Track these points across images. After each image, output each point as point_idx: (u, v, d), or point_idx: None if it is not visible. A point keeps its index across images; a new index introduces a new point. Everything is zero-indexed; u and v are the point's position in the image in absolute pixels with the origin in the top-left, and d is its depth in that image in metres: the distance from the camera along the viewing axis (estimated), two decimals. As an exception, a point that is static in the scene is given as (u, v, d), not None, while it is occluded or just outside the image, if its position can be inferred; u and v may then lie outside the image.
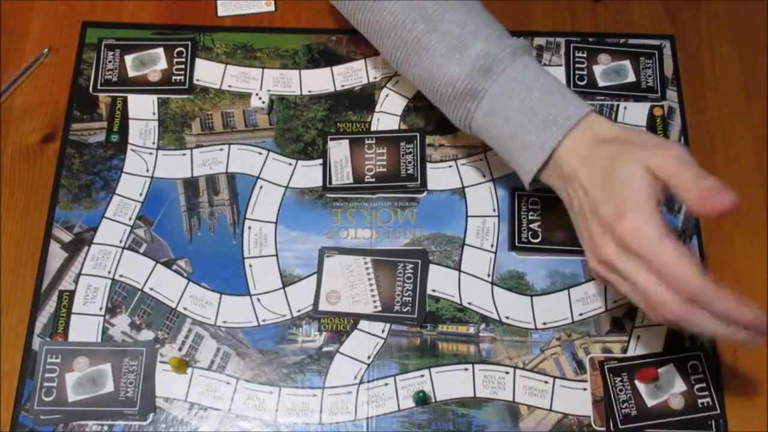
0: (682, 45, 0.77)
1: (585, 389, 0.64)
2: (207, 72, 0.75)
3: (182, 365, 0.64)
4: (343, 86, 0.75)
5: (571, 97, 0.59)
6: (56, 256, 0.68)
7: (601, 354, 0.66)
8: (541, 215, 0.70)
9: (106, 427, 0.62)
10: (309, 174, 0.71)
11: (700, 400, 0.64)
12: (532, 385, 0.64)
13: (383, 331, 0.66)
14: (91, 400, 0.63)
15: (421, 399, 0.63)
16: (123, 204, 0.70)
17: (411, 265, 0.68)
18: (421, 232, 0.69)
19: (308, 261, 0.68)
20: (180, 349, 0.65)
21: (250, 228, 0.69)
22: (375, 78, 0.75)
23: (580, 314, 0.67)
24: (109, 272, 0.67)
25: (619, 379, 0.64)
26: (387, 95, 0.74)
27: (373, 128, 0.73)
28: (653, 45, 0.77)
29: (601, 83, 0.75)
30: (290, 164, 0.72)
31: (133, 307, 0.66)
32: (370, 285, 0.67)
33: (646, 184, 0.53)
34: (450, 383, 0.64)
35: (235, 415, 0.63)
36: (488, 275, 0.68)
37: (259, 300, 0.67)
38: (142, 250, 0.68)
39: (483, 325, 0.66)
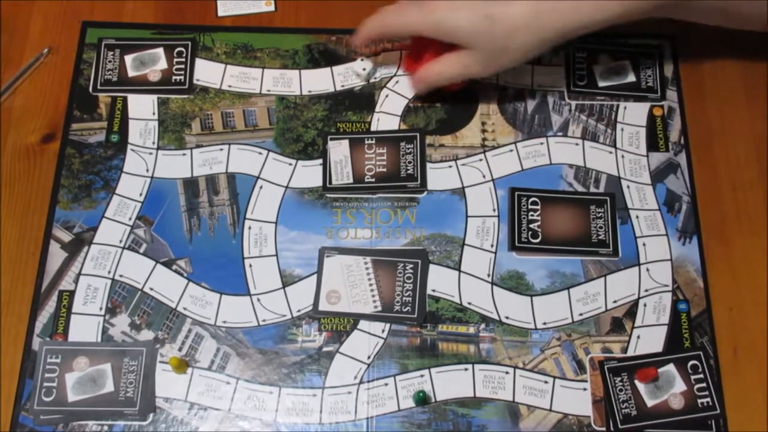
0: (682, 45, 0.77)
1: (585, 389, 0.64)
2: (207, 72, 0.75)
3: (182, 365, 0.64)
4: (343, 86, 0.75)
5: None
6: (56, 256, 0.68)
7: (601, 354, 0.66)
8: (541, 215, 0.70)
9: (106, 427, 0.62)
10: (309, 174, 0.71)
11: (700, 400, 0.64)
12: (532, 385, 0.64)
13: (383, 331, 0.66)
14: (91, 400, 0.63)
15: (421, 399, 0.63)
16: (123, 204, 0.70)
17: (411, 265, 0.68)
18: (421, 232, 0.69)
19: (308, 261, 0.68)
20: (180, 349, 0.65)
21: (250, 228, 0.69)
22: (375, 78, 0.75)
23: (580, 314, 0.67)
24: (109, 272, 0.67)
25: (619, 379, 0.64)
26: (387, 95, 0.74)
27: (373, 128, 0.73)
28: (653, 45, 0.77)
29: (601, 83, 0.75)
30: (290, 164, 0.72)
31: (133, 307, 0.66)
32: (370, 285, 0.67)
33: None
34: (450, 383, 0.64)
35: (235, 415, 0.63)
36: (488, 275, 0.68)
37: (259, 300, 0.67)
38: (142, 250, 0.68)
39: (483, 325, 0.66)
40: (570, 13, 0.62)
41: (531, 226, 0.69)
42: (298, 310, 0.67)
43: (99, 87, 0.74)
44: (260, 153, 0.72)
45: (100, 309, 0.66)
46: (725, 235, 0.70)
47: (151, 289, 0.67)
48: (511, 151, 0.73)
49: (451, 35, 0.64)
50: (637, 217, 0.70)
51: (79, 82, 0.74)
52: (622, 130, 0.74)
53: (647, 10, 0.64)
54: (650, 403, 0.64)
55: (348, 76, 0.75)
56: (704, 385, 0.64)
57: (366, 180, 0.71)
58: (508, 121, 0.74)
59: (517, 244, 0.69)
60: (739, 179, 0.72)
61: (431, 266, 0.68)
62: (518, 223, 0.69)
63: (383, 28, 0.67)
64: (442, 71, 0.67)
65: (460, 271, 0.68)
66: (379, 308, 0.66)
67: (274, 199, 0.70)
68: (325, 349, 0.65)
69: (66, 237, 0.68)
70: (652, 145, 0.73)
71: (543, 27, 0.62)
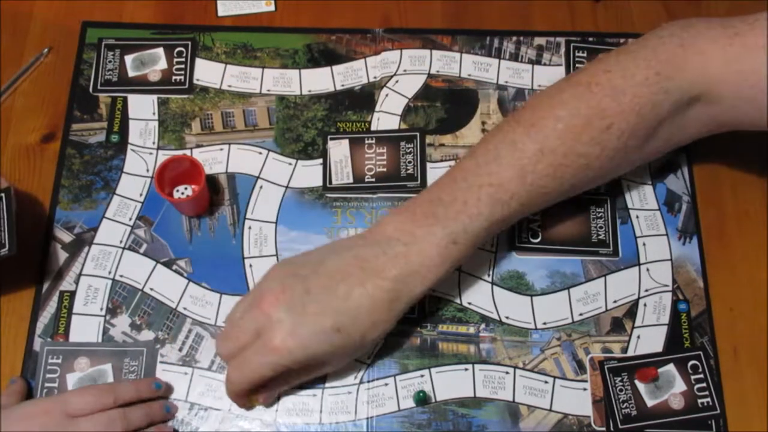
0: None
1: (585, 389, 0.65)
2: (207, 72, 0.75)
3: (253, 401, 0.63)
4: (343, 86, 0.75)
5: None
6: (57, 256, 0.68)
7: (601, 354, 0.66)
8: (541, 215, 0.70)
9: (106, 427, 0.62)
10: (309, 174, 0.71)
11: (700, 400, 0.64)
12: (532, 385, 0.65)
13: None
14: (91, 400, 0.63)
15: (421, 399, 0.63)
16: (123, 204, 0.70)
17: (411, 265, 0.68)
18: (421, 232, 0.69)
19: (308, 261, 0.68)
20: (180, 349, 0.65)
21: (250, 228, 0.69)
22: (375, 78, 0.75)
23: (580, 314, 0.67)
24: (110, 272, 0.67)
25: (619, 379, 0.64)
26: (387, 95, 0.74)
27: (373, 128, 0.73)
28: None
29: (601, 83, 0.75)
30: (290, 164, 0.72)
31: (133, 308, 0.66)
32: (370, 285, 0.67)
33: None
34: (450, 383, 0.64)
35: (235, 415, 0.63)
36: (488, 275, 0.68)
37: (259, 300, 0.67)
38: (142, 250, 0.68)
39: (483, 325, 0.67)
40: (406, 291, 0.58)
41: (531, 225, 0.69)
42: (299, 310, 0.67)
43: (99, 87, 0.74)
44: (260, 153, 0.72)
45: (101, 309, 0.66)
46: (725, 235, 0.70)
47: (152, 289, 0.67)
48: (511, 150, 0.72)
49: (306, 361, 0.58)
50: (637, 217, 0.70)
51: (79, 82, 0.74)
52: (623, 129, 0.74)
53: (471, 248, 0.60)
54: (650, 403, 0.64)
55: (348, 75, 0.75)
56: (704, 385, 0.64)
57: (366, 180, 0.71)
58: (508, 120, 0.74)
59: (517, 244, 0.69)
60: (739, 179, 0.72)
61: (431, 266, 0.68)
62: (518, 223, 0.69)
63: (246, 384, 0.59)
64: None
65: (460, 271, 0.68)
66: (379, 308, 0.66)
67: (274, 199, 0.70)
68: (325, 349, 0.65)
69: (66, 237, 0.68)
70: (653, 145, 0.73)
71: (389, 318, 0.59)
